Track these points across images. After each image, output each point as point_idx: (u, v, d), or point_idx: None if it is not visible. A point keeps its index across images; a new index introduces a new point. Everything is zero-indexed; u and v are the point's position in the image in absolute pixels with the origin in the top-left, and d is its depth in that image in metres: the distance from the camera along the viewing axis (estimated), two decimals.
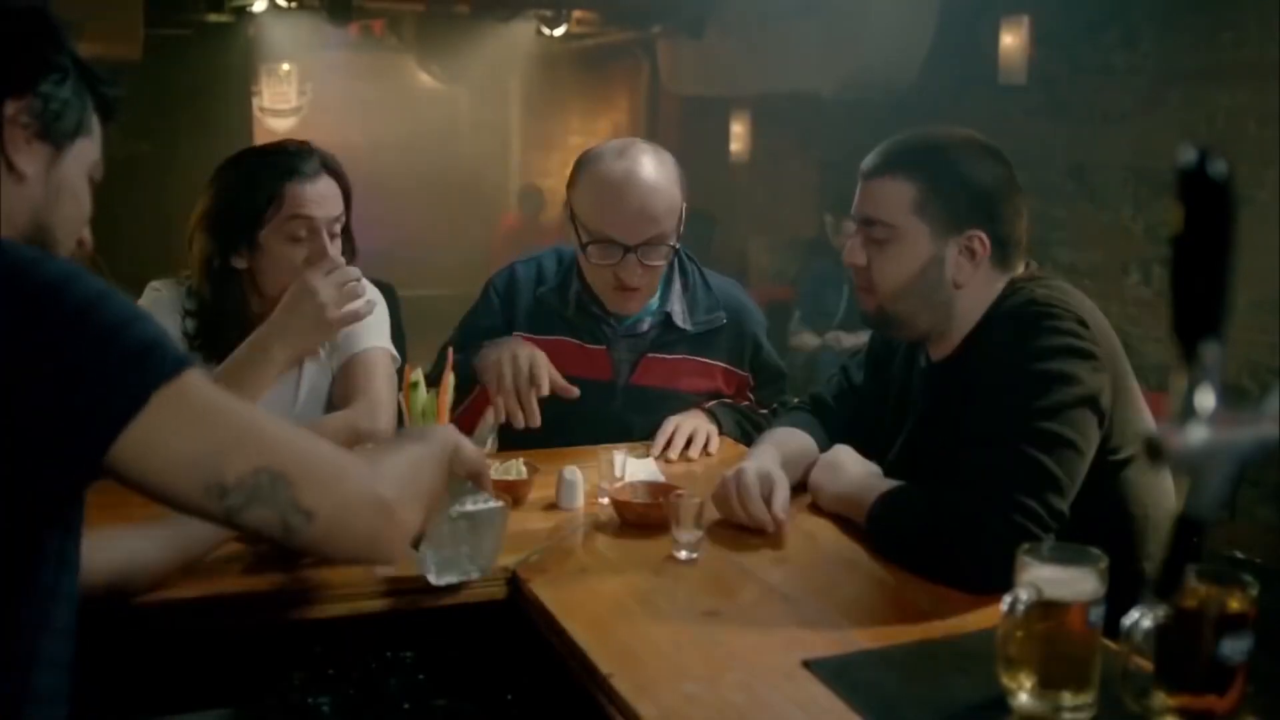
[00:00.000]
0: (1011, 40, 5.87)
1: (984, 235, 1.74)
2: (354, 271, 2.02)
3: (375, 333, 2.19)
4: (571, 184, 2.29)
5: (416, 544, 1.48)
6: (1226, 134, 4.80)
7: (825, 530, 1.80)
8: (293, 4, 7.52)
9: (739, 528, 1.77)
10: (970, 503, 1.56)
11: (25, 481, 1.01)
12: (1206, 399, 0.76)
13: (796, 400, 2.23)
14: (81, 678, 1.13)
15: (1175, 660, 1.18)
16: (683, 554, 1.66)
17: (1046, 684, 1.21)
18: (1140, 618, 1.16)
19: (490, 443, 2.08)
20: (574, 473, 1.91)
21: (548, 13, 8.03)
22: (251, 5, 7.63)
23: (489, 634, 1.63)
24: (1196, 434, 0.76)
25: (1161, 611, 1.16)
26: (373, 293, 2.27)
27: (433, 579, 1.52)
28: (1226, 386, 0.77)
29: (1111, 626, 1.21)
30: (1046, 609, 1.20)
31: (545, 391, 2.10)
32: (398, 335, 2.34)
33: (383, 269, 2.31)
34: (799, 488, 1.89)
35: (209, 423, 1.06)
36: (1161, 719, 1.18)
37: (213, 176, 2.08)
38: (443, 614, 1.58)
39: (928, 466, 1.73)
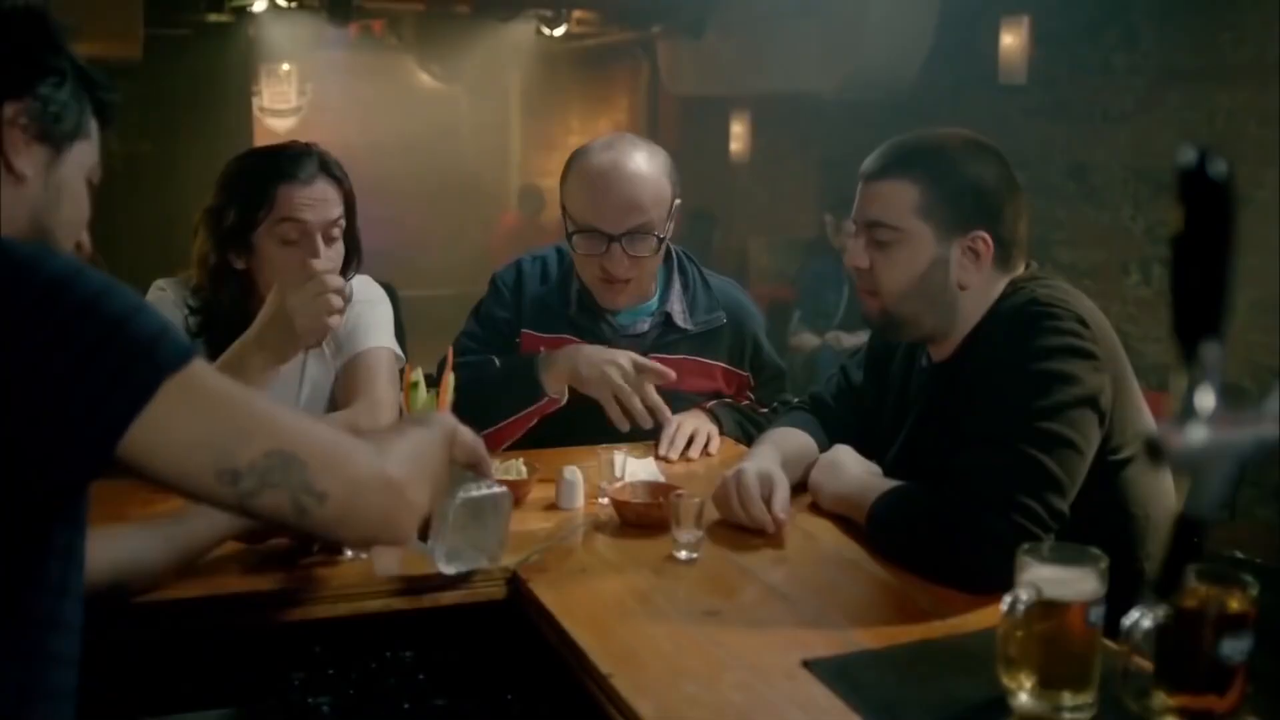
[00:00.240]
0: (1011, 40, 5.87)
1: (987, 236, 1.74)
2: (334, 281, 1.91)
3: (379, 332, 2.19)
4: (562, 180, 2.30)
5: (424, 536, 1.48)
6: (1226, 134, 4.81)
7: (825, 530, 1.80)
8: (293, 4, 7.53)
9: (739, 528, 1.77)
10: (970, 503, 1.56)
11: (34, 475, 1.01)
12: (1206, 399, 0.76)
13: (796, 400, 2.23)
14: (83, 676, 1.13)
15: (1175, 660, 1.18)
16: (683, 554, 1.66)
17: (1046, 684, 1.21)
18: (1140, 618, 1.16)
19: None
20: (574, 473, 1.91)
21: (548, 13, 8.04)
22: (251, 5, 7.64)
23: (489, 634, 1.63)
24: (1196, 434, 0.76)
25: (1161, 611, 1.16)
26: (377, 292, 2.28)
27: (443, 567, 1.52)
28: (1226, 386, 0.77)
29: (1111, 626, 1.21)
30: (1046, 609, 1.20)
31: (653, 391, 2.19)
32: (398, 335, 2.34)
33: (382, 269, 2.31)
34: (799, 488, 1.89)
35: (218, 410, 1.07)
36: (1161, 719, 1.18)
37: (220, 174, 2.09)
38: (443, 614, 1.58)
39: (927, 466, 1.73)
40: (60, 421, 1.00)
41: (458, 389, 1.80)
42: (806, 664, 1.31)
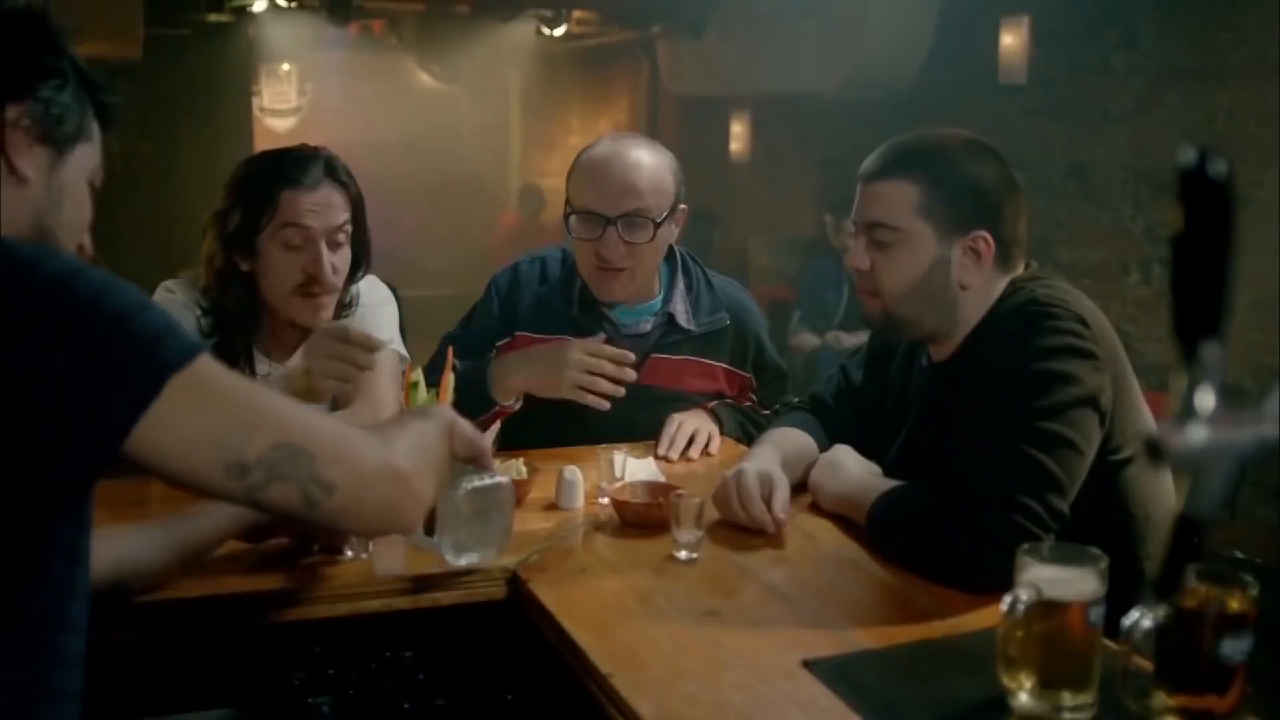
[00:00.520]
0: (1011, 40, 5.87)
1: (988, 235, 1.74)
2: (359, 337, 1.84)
3: (384, 332, 2.20)
4: (568, 177, 2.32)
5: (429, 530, 1.48)
6: (1226, 134, 4.80)
7: (825, 530, 1.80)
8: (293, 4, 7.52)
9: (739, 528, 1.77)
10: (970, 503, 1.56)
11: (37, 475, 1.01)
12: (1206, 399, 0.76)
13: (796, 400, 2.23)
14: (84, 676, 1.13)
15: (1175, 660, 1.18)
16: (683, 554, 1.66)
17: (1046, 684, 1.21)
18: (1140, 618, 1.17)
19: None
20: (574, 473, 1.91)
21: (548, 13, 8.04)
22: (251, 5, 7.64)
23: (489, 634, 1.63)
24: (1196, 434, 0.76)
25: (1161, 611, 1.16)
26: (383, 293, 2.28)
27: (450, 560, 1.52)
28: (1226, 386, 0.77)
29: (1111, 626, 1.21)
30: (1046, 609, 1.20)
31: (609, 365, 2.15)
32: (400, 335, 2.34)
33: (382, 269, 2.31)
34: (799, 488, 1.89)
35: (225, 404, 1.07)
36: (1161, 719, 1.18)
37: (229, 176, 2.10)
38: (443, 614, 1.58)
39: (927, 466, 1.73)
40: (61, 421, 1.00)
41: (456, 389, 1.80)
42: (806, 664, 1.31)
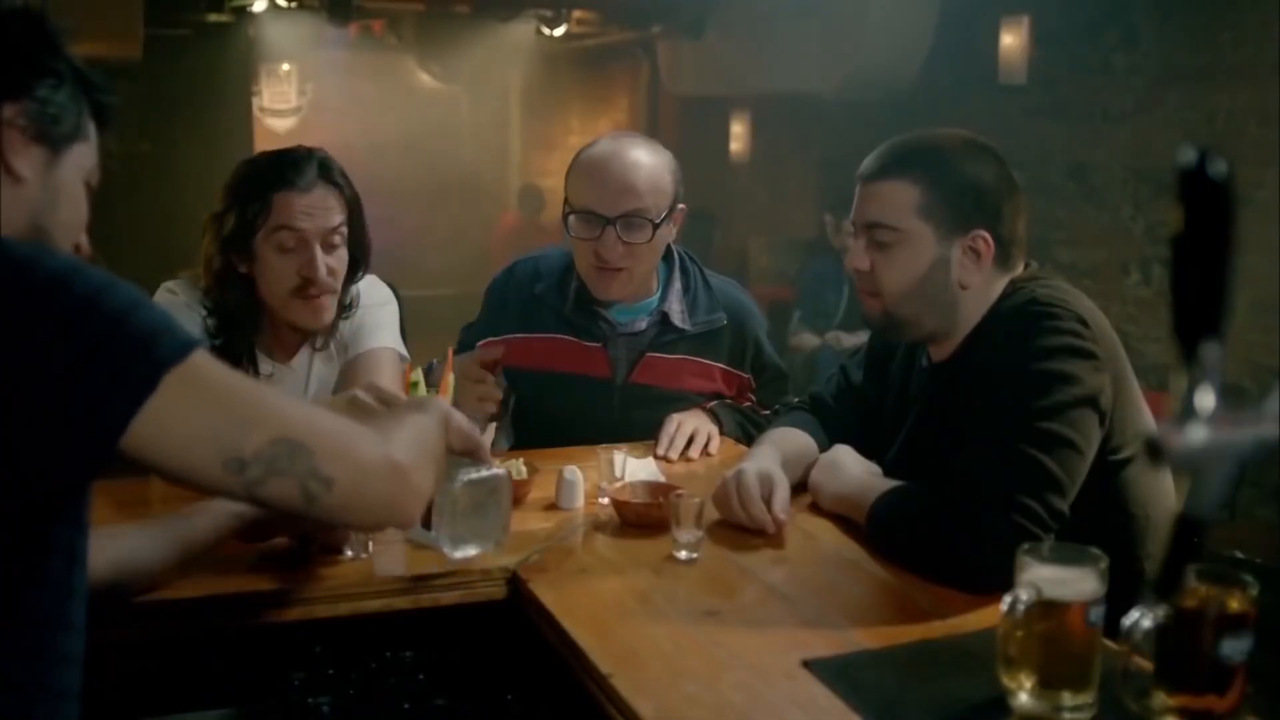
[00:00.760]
0: (1011, 40, 5.87)
1: (988, 235, 1.74)
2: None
3: (384, 333, 2.20)
4: (566, 176, 2.32)
5: (427, 524, 1.48)
6: (1226, 134, 4.80)
7: (825, 530, 1.80)
8: (293, 4, 7.53)
9: (739, 528, 1.77)
10: (970, 503, 1.56)
11: (35, 475, 1.01)
12: (1206, 399, 0.76)
13: (796, 400, 2.23)
14: (84, 676, 1.13)
15: (1175, 660, 1.18)
16: (683, 554, 1.66)
17: (1046, 684, 1.21)
18: (1140, 618, 1.17)
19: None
20: (574, 473, 1.91)
21: (548, 13, 8.04)
22: (251, 5, 7.64)
23: (489, 634, 1.63)
24: (1196, 434, 0.76)
25: (1161, 611, 1.16)
26: (384, 293, 2.28)
27: (448, 552, 1.52)
28: (1226, 386, 0.77)
29: (1111, 626, 1.21)
30: (1046, 609, 1.20)
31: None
32: (401, 335, 2.35)
33: (382, 269, 2.31)
34: (799, 488, 1.89)
35: (222, 400, 1.07)
36: (1161, 719, 1.18)
37: (227, 178, 2.10)
38: (443, 614, 1.58)
39: (927, 466, 1.73)
40: (61, 421, 1.00)
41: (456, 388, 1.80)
42: (806, 664, 1.31)
